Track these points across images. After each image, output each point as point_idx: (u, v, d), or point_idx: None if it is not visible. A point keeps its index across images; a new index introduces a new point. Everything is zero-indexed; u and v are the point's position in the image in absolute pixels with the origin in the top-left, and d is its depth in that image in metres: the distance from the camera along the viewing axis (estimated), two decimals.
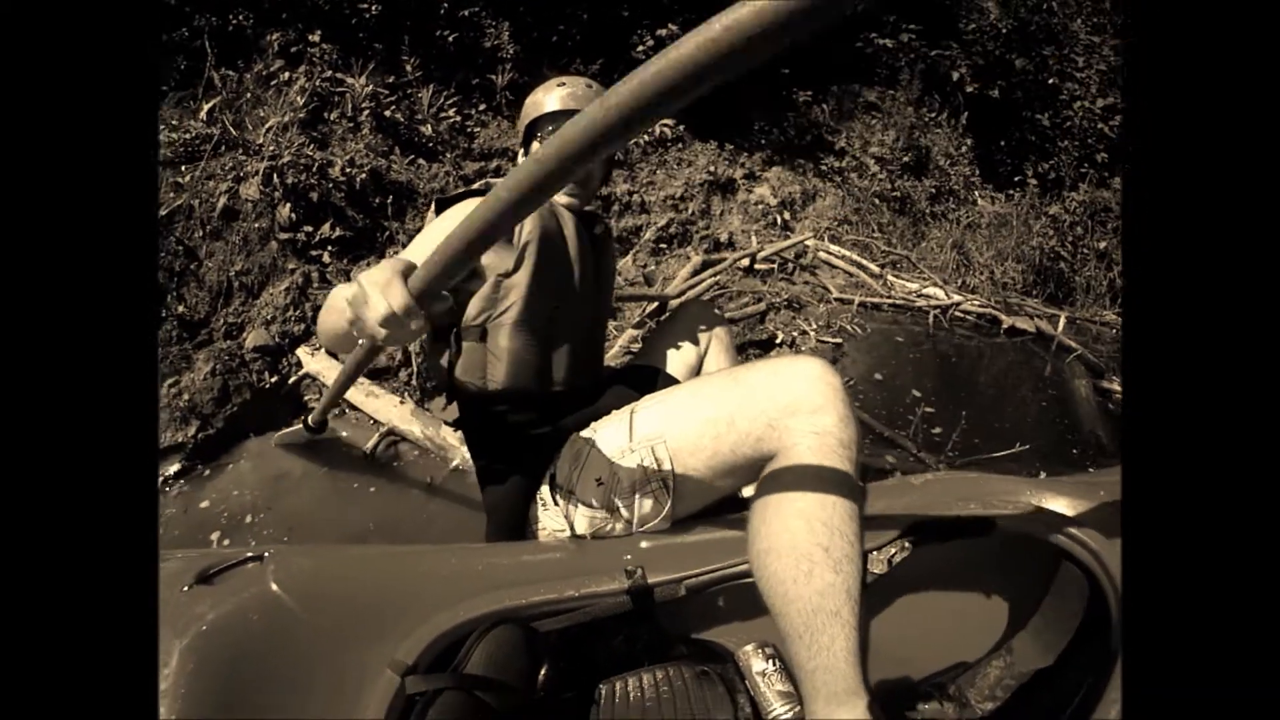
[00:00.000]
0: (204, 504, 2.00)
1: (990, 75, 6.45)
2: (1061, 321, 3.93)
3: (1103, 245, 5.52)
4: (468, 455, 2.13)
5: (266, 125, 3.25)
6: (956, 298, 4.17)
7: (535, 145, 1.25)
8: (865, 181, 5.61)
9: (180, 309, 2.56)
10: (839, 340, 3.55)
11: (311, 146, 3.35)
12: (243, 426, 2.32)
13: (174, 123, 3.13)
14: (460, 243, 0.62)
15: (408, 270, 0.71)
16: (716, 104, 5.41)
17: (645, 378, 1.43)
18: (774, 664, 0.98)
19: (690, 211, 4.77)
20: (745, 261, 4.20)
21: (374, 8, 4.19)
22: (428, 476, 2.24)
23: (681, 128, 5.18)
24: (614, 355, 2.95)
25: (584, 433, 1.14)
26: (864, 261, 4.55)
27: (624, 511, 1.06)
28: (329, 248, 3.10)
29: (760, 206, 5.09)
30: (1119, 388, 3.33)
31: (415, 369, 2.78)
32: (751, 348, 3.36)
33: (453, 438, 2.30)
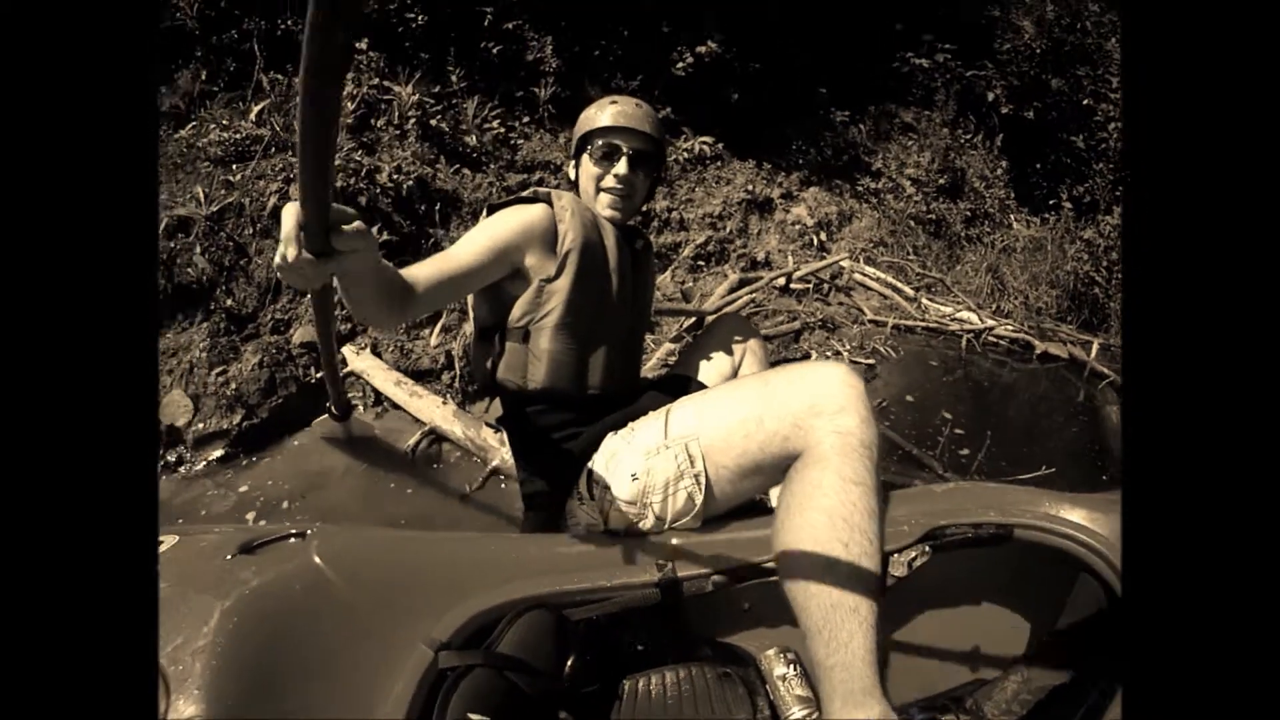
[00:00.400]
0: (243, 488, 2.07)
1: (1025, 96, 6.44)
2: (1095, 348, 3.87)
3: None
4: (507, 457, 2.19)
5: None
6: (990, 322, 4.15)
7: (585, 158, 1.30)
8: (901, 203, 5.61)
9: (229, 302, 2.66)
10: (872, 361, 3.56)
11: (359, 152, 3.46)
12: (287, 419, 2.39)
13: (224, 123, 3.26)
14: (306, 171, 0.65)
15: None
16: (755, 122, 5.47)
17: (680, 386, 1.47)
18: (795, 669, 1.00)
19: (728, 230, 4.82)
20: (781, 281, 4.23)
21: (421, 18, 4.32)
22: (466, 478, 2.29)
23: (720, 146, 5.24)
24: (651, 368, 2.99)
25: (621, 431, 1.18)
26: (899, 284, 4.55)
27: (656, 507, 1.10)
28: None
29: (797, 226, 5.12)
30: None
31: (458, 372, 2.85)
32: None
33: (493, 439, 2.35)
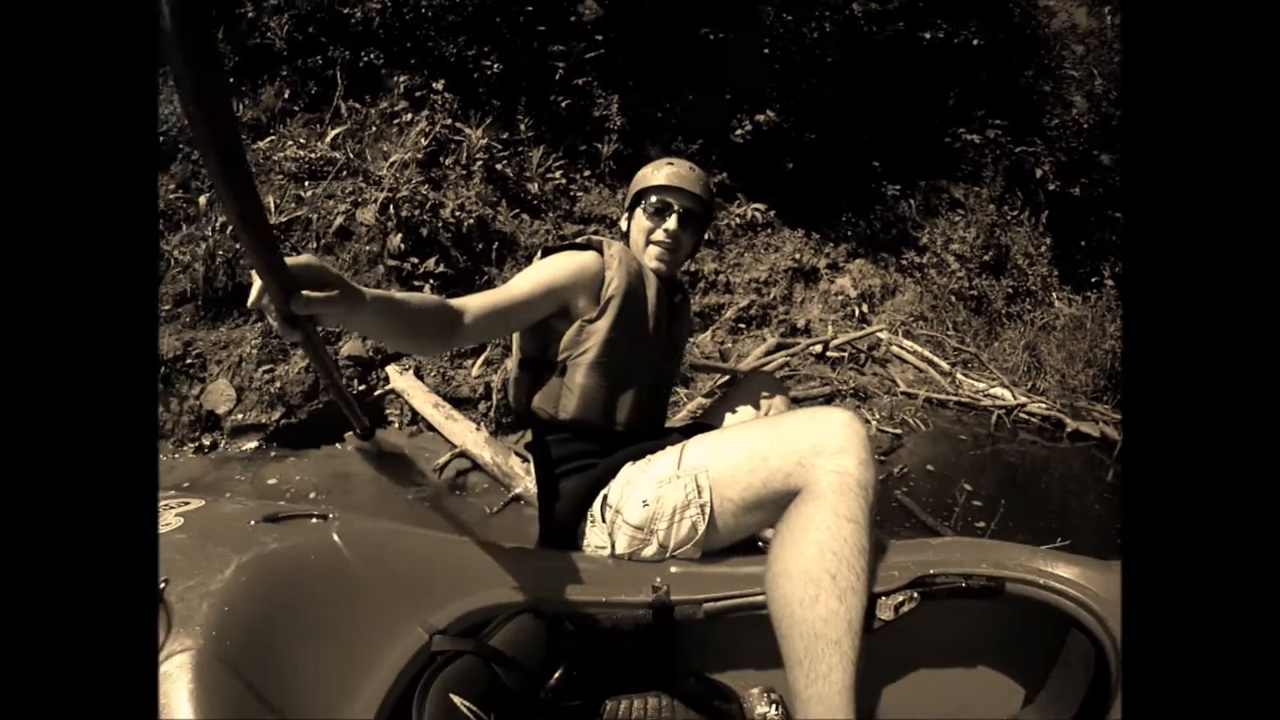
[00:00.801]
0: (271, 480, 2.18)
1: (1073, 173, 6.44)
2: None
3: None
4: (531, 486, 2.26)
5: (389, 160, 3.60)
6: (1022, 399, 4.12)
7: (638, 211, 1.40)
8: (944, 278, 5.63)
9: None
10: (899, 431, 3.56)
11: (426, 186, 3.68)
12: (322, 424, 2.50)
13: (301, 141, 3.51)
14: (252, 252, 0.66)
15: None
16: (808, 192, 5.59)
17: (702, 433, 1.51)
18: (777, 709, 1.02)
19: (772, 296, 4.91)
20: (818, 348, 4.26)
21: (495, 66, 4.59)
22: (487, 502, 2.37)
23: (772, 213, 5.37)
24: (681, 419, 3.05)
25: (639, 462, 1.24)
26: (935, 358, 4.55)
27: (661, 534, 1.15)
28: (431, 280, 3.37)
29: (840, 297, 5.19)
30: None
31: (495, 403, 2.94)
32: None
33: (519, 468, 2.42)
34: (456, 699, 0.78)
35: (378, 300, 0.84)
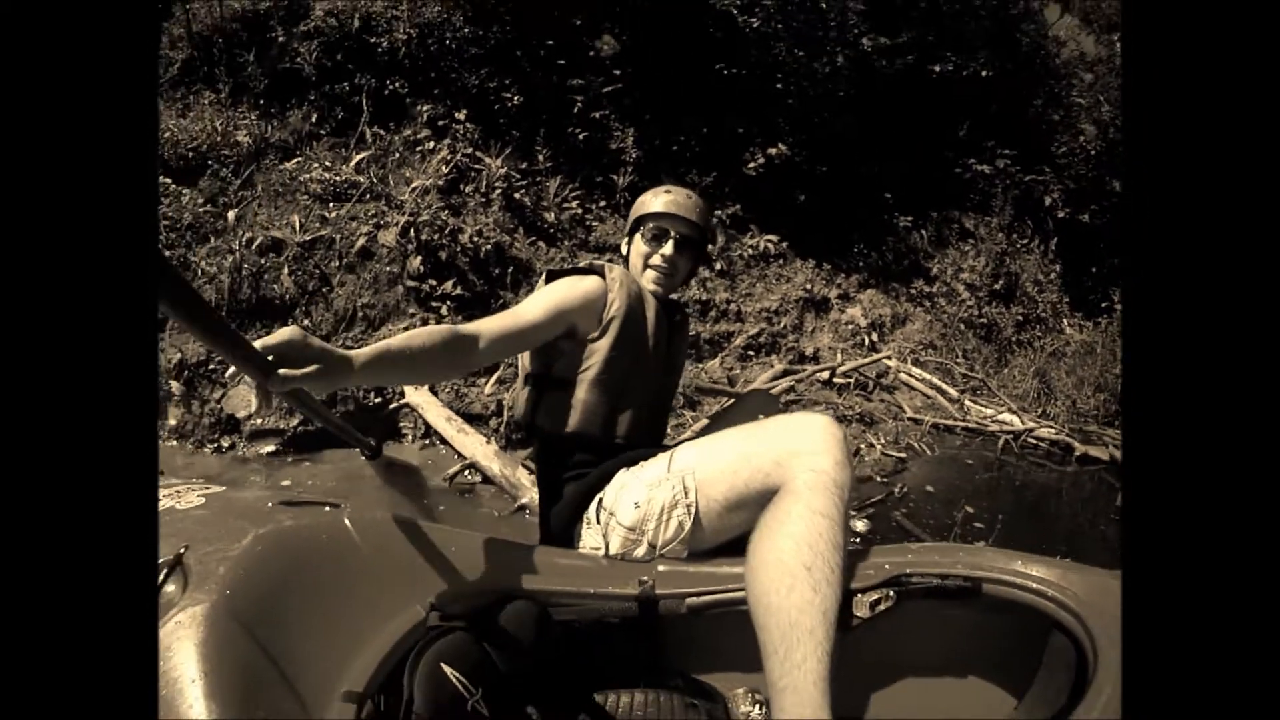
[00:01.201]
0: (285, 482, 2.26)
1: (1082, 200, 6.46)
2: None
3: None
4: (536, 497, 2.30)
5: (411, 185, 3.74)
6: (1030, 424, 4.12)
7: (637, 237, 1.49)
8: (954, 307, 5.65)
9: (306, 322, 2.93)
10: (904, 455, 3.58)
11: (446, 212, 3.80)
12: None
13: (327, 164, 3.66)
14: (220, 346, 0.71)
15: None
16: (820, 224, 5.67)
17: None
18: (761, 709, 1.06)
19: (782, 325, 4.97)
20: (825, 375, 4.29)
21: (516, 98, 4.75)
22: (494, 510, 2.44)
23: (785, 245, 5.44)
24: (685, 440, 3.07)
25: (633, 468, 1.30)
26: (943, 385, 4.57)
27: (650, 534, 1.21)
28: (448, 302, 3.49)
29: (850, 326, 5.23)
30: None
31: (505, 419, 3.03)
32: None
33: (526, 479, 2.50)
34: (446, 668, 0.81)
35: (371, 364, 0.87)
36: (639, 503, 1.20)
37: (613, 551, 1.24)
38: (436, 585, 1.02)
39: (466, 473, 2.60)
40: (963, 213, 6.36)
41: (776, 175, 5.43)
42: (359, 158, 3.81)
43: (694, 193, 1.50)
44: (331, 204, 3.50)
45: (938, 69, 6.10)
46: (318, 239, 3.24)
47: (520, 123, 4.78)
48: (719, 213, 5.28)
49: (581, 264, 1.42)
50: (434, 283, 3.47)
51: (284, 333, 0.78)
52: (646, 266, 1.44)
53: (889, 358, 4.75)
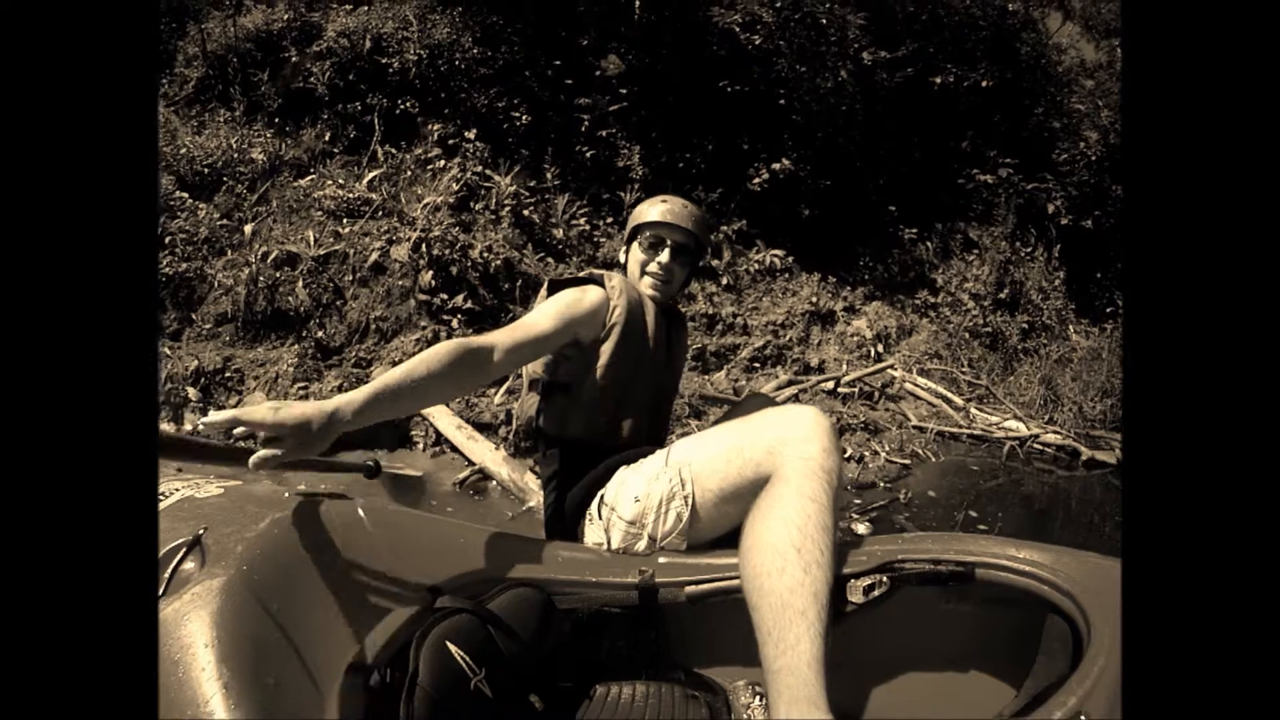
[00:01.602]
0: (300, 486, 2.29)
1: (1085, 206, 6.45)
2: None
3: None
4: (542, 500, 2.35)
5: (422, 202, 3.84)
6: (1036, 430, 4.11)
7: (635, 245, 1.55)
8: (959, 317, 5.65)
9: (320, 334, 3.01)
10: (907, 462, 3.59)
11: (456, 228, 3.88)
12: (349, 439, 2.64)
13: (340, 182, 3.77)
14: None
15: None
16: (825, 237, 5.71)
17: None
18: (760, 700, 1.09)
19: (789, 337, 5.01)
20: (830, 384, 4.33)
21: (524, 118, 4.84)
22: (504, 510, 2.48)
23: (790, 259, 5.48)
24: None
25: (633, 464, 1.35)
26: (949, 394, 4.58)
27: (650, 527, 1.25)
28: (459, 315, 3.56)
29: (856, 338, 5.26)
30: None
31: (515, 428, 3.09)
32: None
33: (534, 483, 2.55)
34: (452, 646, 0.83)
35: (367, 406, 0.93)
36: (639, 497, 1.24)
37: (615, 546, 1.28)
38: (444, 572, 1.06)
39: (475, 478, 2.66)
40: (967, 223, 6.36)
41: (781, 190, 5.48)
42: (371, 175, 3.91)
43: (690, 203, 1.56)
44: (345, 220, 3.59)
45: (939, 81, 6.16)
46: (332, 253, 3.33)
47: (529, 141, 4.87)
48: (725, 228, 5.33)
49: (581, 274, 1.48)
50: (445, 297, 3.54)
51: (254, 411, 0.83)
52: (644, 273, 1.50)
53: (894, 367, 4.77)
